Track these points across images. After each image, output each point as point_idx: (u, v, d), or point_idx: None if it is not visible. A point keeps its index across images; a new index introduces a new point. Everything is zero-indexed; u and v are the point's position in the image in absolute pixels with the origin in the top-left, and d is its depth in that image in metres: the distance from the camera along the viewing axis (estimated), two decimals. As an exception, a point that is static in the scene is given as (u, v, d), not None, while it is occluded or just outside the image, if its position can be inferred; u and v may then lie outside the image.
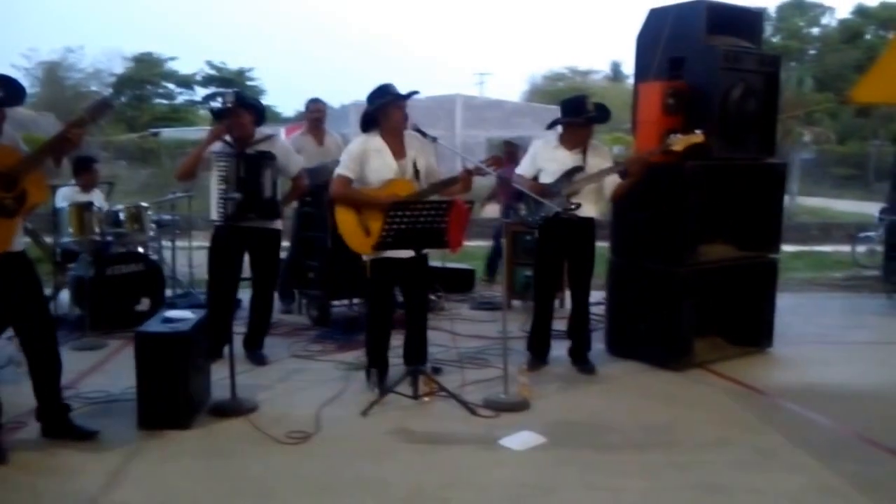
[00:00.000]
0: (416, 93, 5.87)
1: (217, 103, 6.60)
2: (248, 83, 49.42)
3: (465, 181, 5.76)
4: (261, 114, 6.63)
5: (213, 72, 49.27)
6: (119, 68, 48.21)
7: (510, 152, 10.12)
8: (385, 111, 5.81)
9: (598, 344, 7.07)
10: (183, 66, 49.60)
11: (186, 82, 48.44)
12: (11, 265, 4.75)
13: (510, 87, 78.04)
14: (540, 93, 47.81)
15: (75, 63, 46.13)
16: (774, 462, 4.87)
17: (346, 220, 5.79)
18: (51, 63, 45.17)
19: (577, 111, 6.32)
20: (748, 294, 7.19)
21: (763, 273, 7.20)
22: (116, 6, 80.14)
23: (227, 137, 6.41)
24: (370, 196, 5.74)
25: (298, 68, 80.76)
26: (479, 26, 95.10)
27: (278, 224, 6.71)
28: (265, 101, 47.78)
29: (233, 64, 49.48)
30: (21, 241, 4.88)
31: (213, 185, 6.38)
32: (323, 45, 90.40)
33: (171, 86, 48.86)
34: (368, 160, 5.81)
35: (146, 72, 47.93)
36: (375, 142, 5.84)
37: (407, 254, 5.63)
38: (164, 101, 48.62)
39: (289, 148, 6.82)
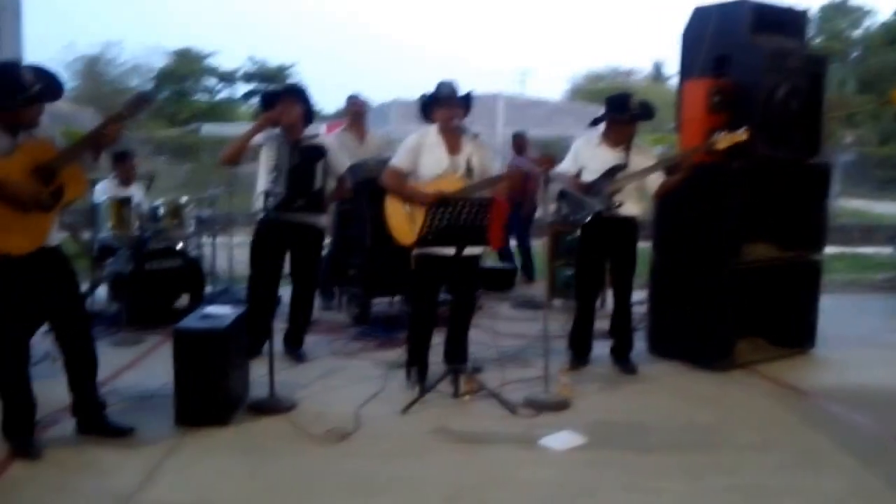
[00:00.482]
0: (463, 96, 5.85)
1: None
2: (290, 79, 49.54)
3: (512, 179, 5.68)
4: (310, 111, 6.55)
5: (253, 68, 49.42)
6: (159, 63, 48.45)
7: (519, 145, 10.04)
8: (433, 109, 5.84)
9: (640, 343, 6.97)
10: (224, 62, 49.78)
11: (227, 78, 48.52)
12: (47, 260, 4.70)
13: (552, 85, 77.56)
14: (582, 92, 47.49)
15: (115, 57, 46.38)
16: (816, 464, 4.76)
17: (394, 211, 5.82)
18: (90, 57, 45.42)
19: (621, 108, 6.24)
20: (791, 295, 7.07)
21: (806, 274, 7.07)
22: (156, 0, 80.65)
23: (277, 130, 6.32)
24: (416, 190, 5.73)
25: (338, 66, 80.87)
26: (521, 24, 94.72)
27: (322, 221, 6.66)
28: (307, 97, 47.61)
29: (273, 60, 49.66)
30: (57, 236, 4.83)
31: (261, 174, 6.34)
32: (363, 43, 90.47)
33: (211, 81, 48.97)
34: (422, 154, 5.82)
35: (186, 67, 48.01)
36: (432, 136, 5.85)
37: (452, 251, 5.56)
38: (205, 97, 48.74)
39: (336, 148, 6.74)
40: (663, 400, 5.92)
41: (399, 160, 5.86)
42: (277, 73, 48.60)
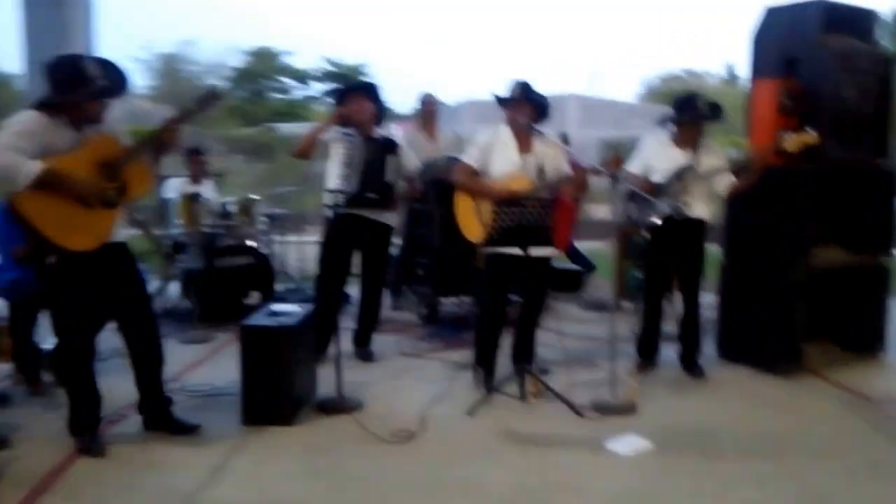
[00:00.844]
0: (534, 96, 5.75)
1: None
2: (364, 79, 49.91)
3: (579, 180, 5.57)
4: (381, 109, 6.52)
5: (329, 67, 49.80)
6: (236, 62, 49.05)
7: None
8: (514, 108, 5.76)
9: (709, 347, 6.84)
10: (299, 62, 50.18)
11: (303, 77, 48.91)
12: (112, 256, 4.70)
13: (625, 87, 76.97)
14: (655, 94, 47.05)
15: (192, 56, 47.08)
16: (886, 473, 4.60)
17: (463, 207, 5.80)
18: (168, 55, 46.20)
19: (687, 109, 6.13)
20: (860, 298, 6.86)
21: (875, 277, 6.88)
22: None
23: (348, 130, 6.32)
24: (485, 187, 5.69)
25: (413, 65, 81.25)
26: (595, 25, 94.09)
27: (391, 218, 6.63)
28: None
29: (348, 60, 49.99)
30: (123, 232, 4.83)
31: (331, 171, 6.33)
32: (438, 43, 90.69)
33: (287, 80, 49.40)
34: (493, 152, 5.77)
35: (263, 66, 48.50)
36: (504, 135, 5.79)
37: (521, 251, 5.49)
38: (281, 96, 49.19)
39: (407, 147, 6.70)
40: (731, 405, 5.78)
41: (470, 157, 5.82)
42: (352, 73, 48.95)
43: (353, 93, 6.41)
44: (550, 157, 5.75)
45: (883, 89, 6.55)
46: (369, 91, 6.48)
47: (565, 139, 9.71)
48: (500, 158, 5.71)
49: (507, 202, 5.20)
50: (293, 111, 44.80)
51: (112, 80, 4.56)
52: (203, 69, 47.90)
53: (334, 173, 6.28)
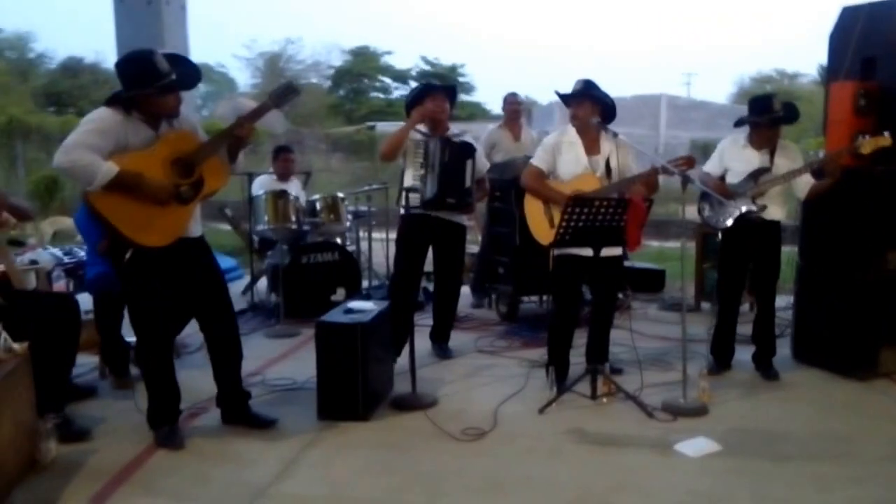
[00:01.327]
0: (593, 93, 5.72)
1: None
2: (460, 79, 50.17)
3: (650, 180, 5.53)
4: (453, 101, 6.56)
5: (427, 67, 50.18)
6: (337, 61, 49.66)
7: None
8: (576, 105, 5.77)
9: (785, 349, 6.73)
10: (398, 61, 50.70)
11: (402, 77, 49.34)
12: (191, 251, 4.80)
13: (717, 88, 75.58)
14: (747, 95, 46.03)
15: (295, 54, 47.80)
16: None
17: (533, 210, 5.81)
18: (271, 54, 46.95)
19: (763, 111, 6.05)
20: None
21: None
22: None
23: (422, 128, 6.36)
24: (554, 189, 5.69)
25: (509, 65, 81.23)
26: (689, 25, 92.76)
27: (465, 220, 6.64)
28: (475, 97, 48.46)
29: (446, 60, 50.32)
30: (199, 227, 4.91)
31: (407, 171, 6.34)
32: (534, 43, 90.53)
33: (387, 80, 49.85)
34: (561, 153, 5.77)
35: (363, 65, 49.10)
36: (570, 135, 5.79)
37: (590, 251, 5.47)
38: (381, 95, 49.65)
39: (479, 148, 6.71)
40: (802, 408, 5.67)
41: (538, 160, 5.83)
42: (450, 73, 49.23)
43: (433, 92, 6.41)
44: (618, 155, 5.74)
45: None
46: (445, 89, 6.52)
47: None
48: (568, 159, 5.72)
49: (578, 203, 5.16)
50: (392, 110, 45.25)
51: (183, 73, 4.63)
52: (305, 67, 48.69)
53: (411, 174, 6.31)
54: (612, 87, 5.65)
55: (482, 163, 6.69)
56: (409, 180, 6.30)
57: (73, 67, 41.71)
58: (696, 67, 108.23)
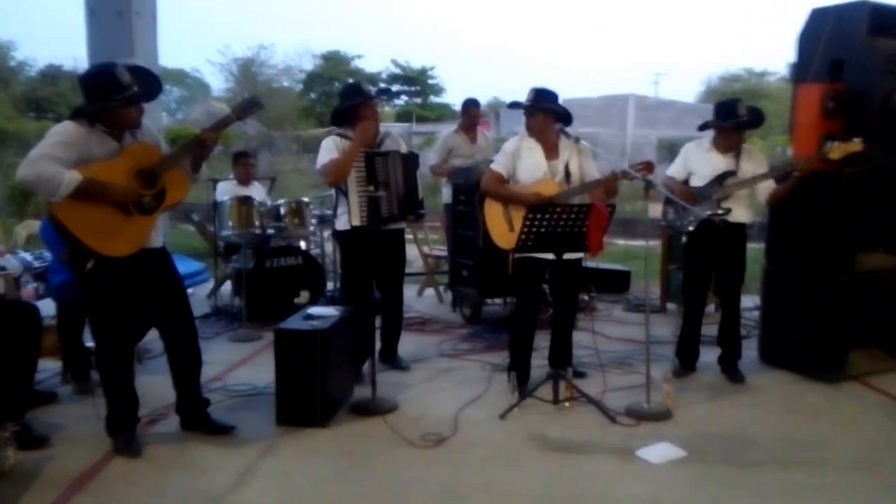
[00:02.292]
0: (538, 105, 5.71)
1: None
2: (430, 81, 50.44)
3: (609, 184, 5.55)
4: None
5: (397, 70, 50.46)
6: (309, 65, 49.92)
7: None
8: (527, 115, 5.79)
9: (752, 352, 6.76)
10: (369, 65, 51.00)
11: (372, 80, 49.52)
12: (151, 261, 4.79)
13: (686, 87, 76.02)
14: (715, 94, 46.38)
15: (267, 59, 48.01)
16: None
17: (492, 214, 5.81)
18: (245, 59, 47.13)
19: (728, 115, 6.07)
20: None
21: None
22: (306, 4, 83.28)
23: (350, 133, 5.99)
24: (516, 192, 5.69)
25: (478, 66, 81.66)
26: (657, 25, 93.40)
27: (402, 223, 6.35)
28: (444, 99, 48.90)
29: (416, 62, 50.69)
30: (160, 238, 4.92)
31: (353, 188, 5.83)
32: (503, 44, 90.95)
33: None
34: (521, 158, 5.78)
35: (334, 69, 49.46)
36: (530, 141, 5.80)
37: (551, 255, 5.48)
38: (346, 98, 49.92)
39: (444, 149, 6.62)
40: (769, 412, 5.67)
41: (498, 165, 5.84)
42: (419, 75, 49.47)
43: (364, 102, 6.04)
44: (577, 160, 5.76)
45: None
46: (375, 97, 6.23)
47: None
48: (528, 164, 5.72)
49: (540, 209, 5.17)
50: (360, 112, 45.59)
51: (144, 85, 4.65)
52: (278, 72, 48.95)
53: (355, 189, 5.83)
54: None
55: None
56: (355, 196, 5.83)
57: (52, 75, 42.30)
58: (666, 67, 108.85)
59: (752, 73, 52.32)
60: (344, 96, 6.31)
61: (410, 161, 6.06)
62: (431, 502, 4.26)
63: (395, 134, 6.52)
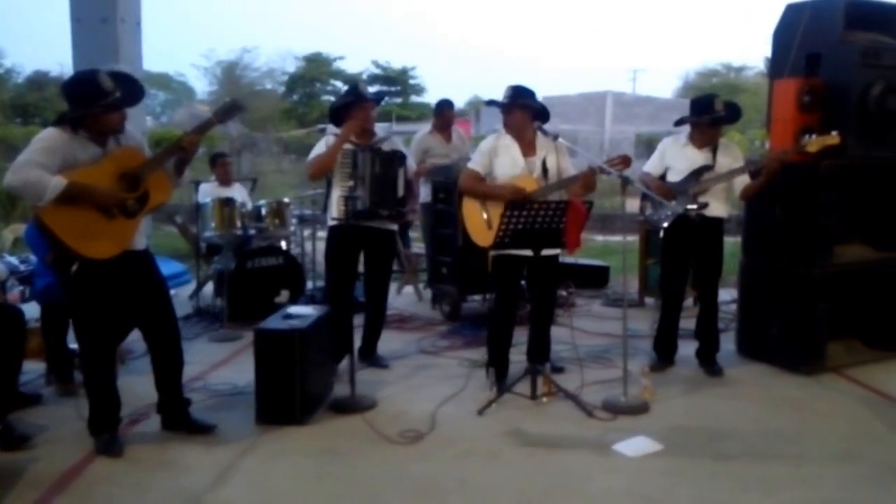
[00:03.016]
0: (516, 102, 5.78)
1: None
2: (411, 81, 50.56)
3: (586, 180, 5.62)
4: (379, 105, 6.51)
5: (378, 71, 50.61)
6: (291, 67, 50.11)
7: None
8: (505, 113, 5.84)
9: (730, 345, 6.84)
10: (350, 65, 51.09)
11: (353, 81, 49.64)
12: (133, 263, 4.85)
13: (663, 83, 76.18)
14: (693, 89, 46.62)
15: (251, 62, 48.18)
16: None
17: (470, 212, 5.86)
18: (228, 63, 47.29)
19: (704, 111, 6.15)
20: (887, 296, 6.78)
21: None
22: (288, 7, 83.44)
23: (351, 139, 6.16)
24: (493, 190, 5.74)
25: (458, 65, 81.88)
26: (635, 22, 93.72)
27: (394, 225, 6.52)
28: (426, 98, 49.02)
29: (397, 63, 50.81)
30: (143, 240, 4.98)
31: (337, 182, 6.19)
32: (482, 43, 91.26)
33: (338, 84, 50.18)
34: (498, 155, 5.83)
35: (316, 71, 49.69)
36: (507, 139, 5.86)
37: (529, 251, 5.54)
38: (332, 99, 49.97)
39: (411, 153, 6.65)
40: (746, 405, 5.73)
41: (475, 163, 5.88)
42: (400, 75, 49.58)
43: (356, 102, 6.22)
44: (554, 157, 5.82)
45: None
46: (369, 98, 6.34)
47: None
48: (505, 161, 5.77)
49: (517, 206, 5.23)
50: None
51: (126, 91, 4.71)
52: (261, 74, 49.12)
53: (339, 185, 6.11)
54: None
55: (411, 164, 6.58)
56: (337, 192, 6.10)
57: (38, 81, 42.45)
58: (644, 64, 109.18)
59: (730, 67, 52.60)
60: (341, 96, 6.52)
61: (392, 159, 6.14)
62: (409, 499, 4.31)
63: (395, 139, 6.62)
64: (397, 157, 6.19)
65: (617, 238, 10.28)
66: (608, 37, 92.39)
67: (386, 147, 6.24)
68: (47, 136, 4.54)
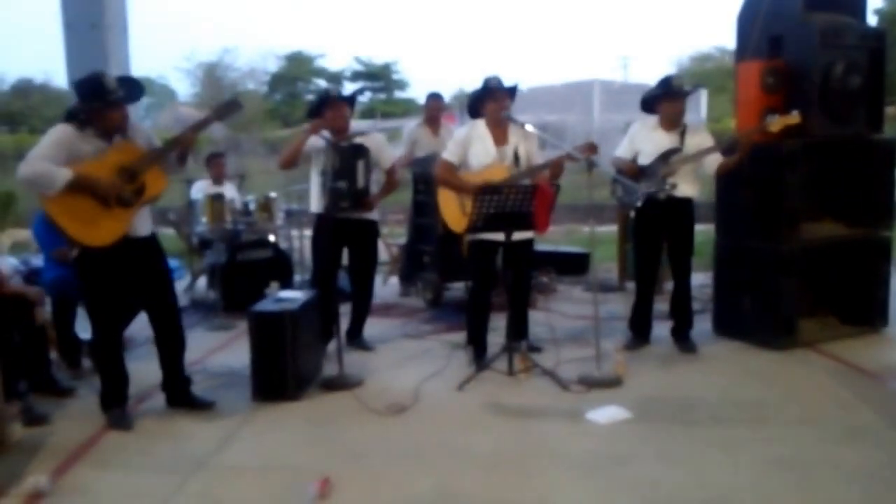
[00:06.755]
0: (509, 87, 6.18)
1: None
2: (394, 76, 50.63)
3: (555, 166, 6.00)
4: (353, 105, 6.90)
5: (360, 67, 50.65)
6: (272, 67, 50.04)
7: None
8: (483, 103, 6.20)
9: (705, 324, 7.10)
10: (332, 63, 51.03)
11: (335, 78, 49.59)
12: (138, 249, 5.26)
13: (656, 69, 75.98)
14: (687, 74, 46.72)
15: (232, 63, 48.10)
16: (861, 440, 4.77)
17: (446, 201, 6.24)
18: (209, 63, 47.23)
19: (662, 86, 6.45)
20: (861, 272, 7.01)
21: (875, 251, 6.98)
22: (268, 6, 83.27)
23: (325, 133, 6.54)
24: (465, 180, 6.10)
25: (442, 59, 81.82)
26: (624, 9, 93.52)
27: (374, 215, 6.89)
28: (409, 93, 48.92)
29: (379, 58, 50.81)
30: (146, 227, 5.37)
31: (314, 177, 6.76)
32: (467, 36, 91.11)
33: (321, 82, 50.15)
34: (471, 146, 6.19)
35: (297, 69, 49.54)
36: (480, 129, 6.20)
37: (502, 236, 5.89)
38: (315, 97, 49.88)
39: (383, 143, 6.95)
40: (717, 378, 6.01)
41: (449, 153, 6.24)
42: (383, 71, 49.65)
43: (330, 102, 6.64)
44: (525, 145, 6.18)
45: (873, 64, 6.66)
46: (344, 99, 6.76)
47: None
48: (478, 151, 6.14)
49: (489, 191, 5.57)
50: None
51: (128, 91, 5.17)
52: (242, 75, 49.00)
53: (316, 180, 6.71)
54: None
55: (387, 156, 6.89)
56: (315, 186, 6.74)
57: (23, 88, 42.56)
58: (635, 50, 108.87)
59: (724, 51, 52.33)
60: (315, 98, 7.01)
61: (350, 152, 6.43)
62: (391, 459, 4.68)
63: (375, 134, 7.03)
64: (358, 151, 6.46)
65: (604, 228, 10.51)
66: (595, 24, 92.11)
67: (358, 141, 6.55)
68: (57, 131, 4.97)
